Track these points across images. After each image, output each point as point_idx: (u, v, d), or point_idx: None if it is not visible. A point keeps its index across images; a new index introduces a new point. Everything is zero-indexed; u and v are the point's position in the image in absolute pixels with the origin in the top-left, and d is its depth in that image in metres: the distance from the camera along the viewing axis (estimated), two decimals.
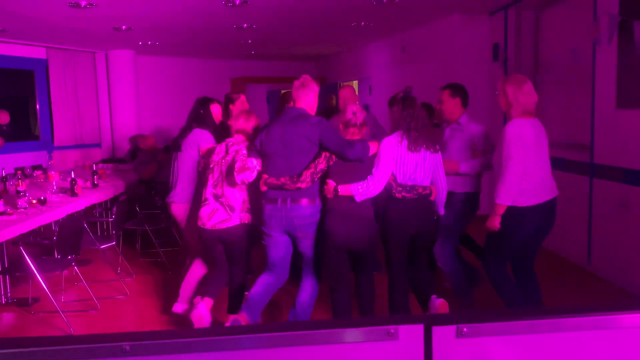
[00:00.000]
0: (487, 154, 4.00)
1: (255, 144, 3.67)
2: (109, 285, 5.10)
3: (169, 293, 4.88)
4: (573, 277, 5.11)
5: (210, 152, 3.93)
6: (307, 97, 3.66)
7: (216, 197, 3.72)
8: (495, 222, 3.50)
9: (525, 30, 6.73)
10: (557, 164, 5.66)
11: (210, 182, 3.75)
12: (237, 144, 3.77)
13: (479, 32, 7.32)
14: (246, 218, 3.76)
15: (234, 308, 3.83)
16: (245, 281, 3.95)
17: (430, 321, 1.09)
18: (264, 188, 3.58)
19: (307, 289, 3.70)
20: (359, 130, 3.60)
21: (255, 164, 3.60)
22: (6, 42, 8.38)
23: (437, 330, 1.09)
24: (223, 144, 3.83)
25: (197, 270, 4.14)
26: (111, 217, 5.21)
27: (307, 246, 3.62)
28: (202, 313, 3.68)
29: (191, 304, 3.94)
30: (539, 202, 3.53)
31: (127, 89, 10.22)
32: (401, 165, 3.54)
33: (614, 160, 4.72)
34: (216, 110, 4.37)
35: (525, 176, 3.44)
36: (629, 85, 4.51)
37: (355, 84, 11.51)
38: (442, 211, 3.79)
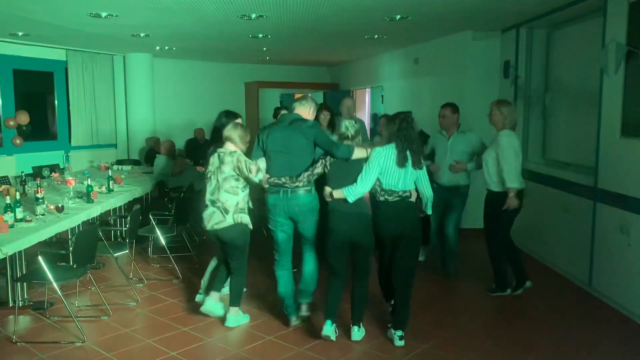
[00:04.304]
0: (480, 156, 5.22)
1: (259, 144, 4.29)
2: (120, 291, 5.28)
3: (179, 300, 5.04)
4: (574, 297, 5.19)
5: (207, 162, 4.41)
6: (304, 110, 4.32)
7: (213, 203, 4.25)
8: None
9: (537, 49, 6.80)
10: (564, 185, 5.77)
11: (208, 189, 4.28)
12: (231, 154, 4.22)
13: (491, 49, 7.39)
14: (240, 218, 4.26)
15: (234, 302, 4.47)
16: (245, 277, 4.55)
17: None
18: (267, 185, 4.24)
19: (310, 261, 4.40)
20: (352, 142, 4.17)
21: (264, 164, 4.23)
22: (27, 44, 8.59)
23: None
24: (216, 155, 4.27)
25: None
26: (125, 226, 5.37)
27: (306, 227, 4.28)
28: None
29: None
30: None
31: (143, 91, 10.41)
32: (387, 174, 4.05)
33: (617, 187, 4.79)
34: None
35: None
36: (634, 115, 4.58)
37: (367, 91, 11.62)
38: (429, 211, 4.29)
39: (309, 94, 4.54)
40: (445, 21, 6.70)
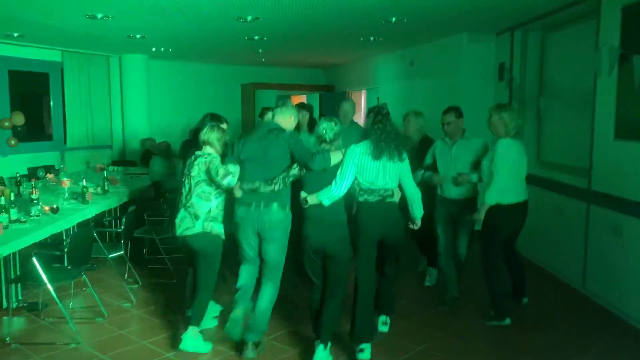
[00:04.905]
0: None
1: (234, 152, 4.06)
2: (115, 292, 5.28)
3: (174, 301, 5.04)
4: (567, 299, 5.21)
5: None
6: (284, 118, 4.08)
7: (185, 207, 4.00)
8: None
9: (531, 52, 6.83)
10: (557, 187, 5.80)
11: (183, 193, 4.05)
12: (205, 155, 4.01)
13: (486, 52, 7.42)
14: (211, 227, 3.97)
15: (195, 321, 4.05)
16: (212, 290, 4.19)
17: None
18: (239, 194, 3.94)
19: (267, 295, 3.97)
20: (329, 145, 3.92)
21: (237, 169, 3.91)
22: (22, 45, 8.57)
23: None
24: (192, 158, 4.06)
25: None
26: (120, 228, 5.37)
27: (271, 250, 3.93)
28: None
29: None
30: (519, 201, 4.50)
31: (139, 92, 10.39)
32: (364, 171, 3.85)
33: (610, 189, 4.81)
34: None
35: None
36: (628, 118, 4.61)
37: (363, 93, 11.64)
38: (418, 214, 4.04)
39: (290, 101, 4.29)
40: (441, 23, 6.72)
